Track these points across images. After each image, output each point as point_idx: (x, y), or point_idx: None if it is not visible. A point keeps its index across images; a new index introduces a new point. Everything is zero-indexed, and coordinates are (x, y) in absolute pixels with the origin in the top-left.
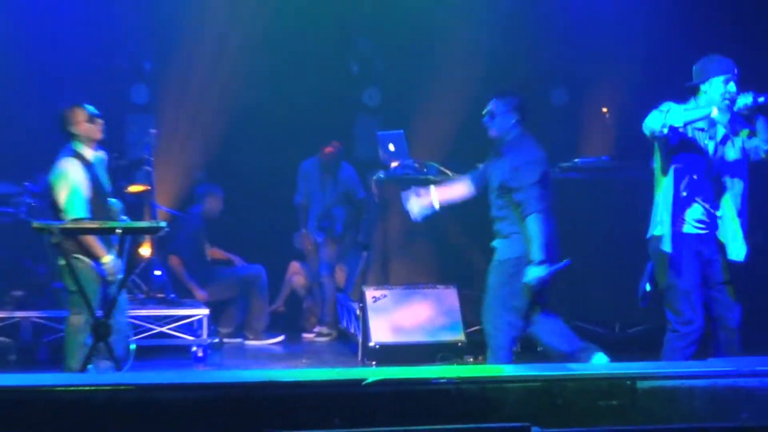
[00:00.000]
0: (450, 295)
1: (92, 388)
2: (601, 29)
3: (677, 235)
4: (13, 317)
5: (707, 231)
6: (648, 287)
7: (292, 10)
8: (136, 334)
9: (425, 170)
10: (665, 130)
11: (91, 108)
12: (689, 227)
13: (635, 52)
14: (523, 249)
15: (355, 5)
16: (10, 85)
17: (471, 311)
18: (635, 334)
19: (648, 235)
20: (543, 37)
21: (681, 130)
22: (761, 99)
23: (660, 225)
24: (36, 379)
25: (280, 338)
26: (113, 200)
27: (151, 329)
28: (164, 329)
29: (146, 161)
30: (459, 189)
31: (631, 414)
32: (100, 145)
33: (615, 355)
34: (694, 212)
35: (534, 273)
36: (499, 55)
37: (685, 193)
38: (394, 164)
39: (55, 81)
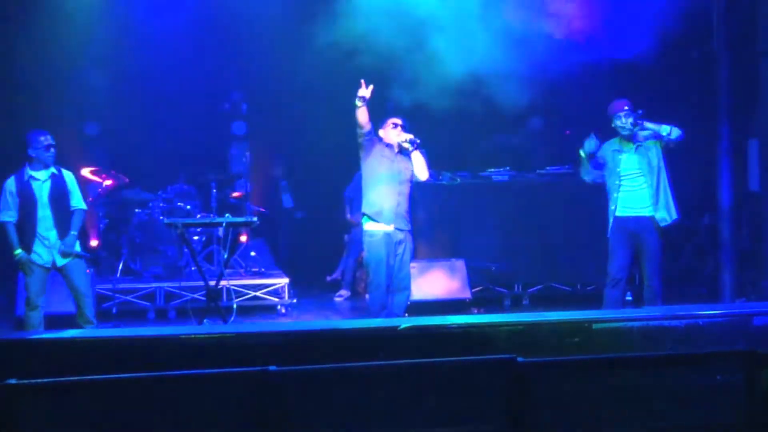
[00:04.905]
0: (460, 266)
1: (206, 335)
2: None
3: None
4: (151, 287)
5: None
6: None
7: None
8: (237, 297)
9: (440, 177)
10: None
11: None
12: None
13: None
14: None
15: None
16: (151, 128)
17: (474, 277)
18: (591, 291)
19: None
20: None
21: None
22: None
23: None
24: (169, 330)
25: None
26: None
27: (248, 294)
28: (257, 293)
29: (243, 175)
30: None
31: (588, 347)
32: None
33: (576, 305)
34: None
35: None
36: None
37: None
38: None
39: (181, 121)
